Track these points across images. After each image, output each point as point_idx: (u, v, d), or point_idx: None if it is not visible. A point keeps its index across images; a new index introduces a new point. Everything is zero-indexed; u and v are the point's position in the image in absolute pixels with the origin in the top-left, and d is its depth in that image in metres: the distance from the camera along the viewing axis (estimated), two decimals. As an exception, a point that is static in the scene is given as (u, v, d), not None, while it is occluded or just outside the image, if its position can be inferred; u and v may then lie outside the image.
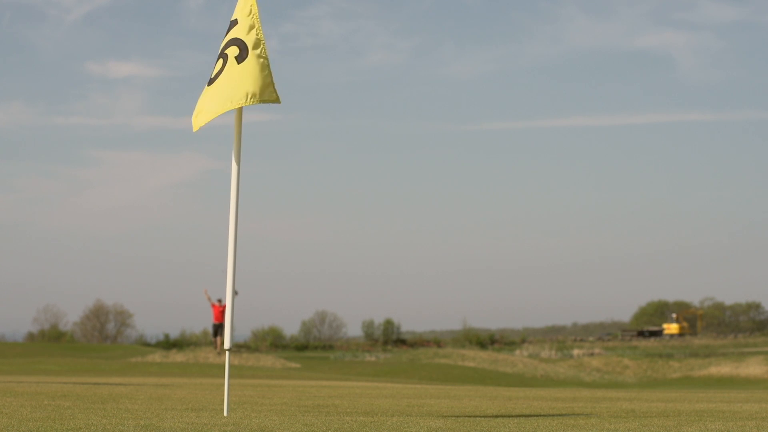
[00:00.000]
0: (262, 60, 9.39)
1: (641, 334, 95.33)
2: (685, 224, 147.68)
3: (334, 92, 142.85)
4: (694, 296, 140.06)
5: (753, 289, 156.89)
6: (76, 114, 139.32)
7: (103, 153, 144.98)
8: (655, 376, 57.48)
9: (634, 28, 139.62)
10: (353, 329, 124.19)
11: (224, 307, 36.22)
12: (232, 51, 9.46)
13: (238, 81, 9.37)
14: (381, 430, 7.85)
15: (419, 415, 9.89)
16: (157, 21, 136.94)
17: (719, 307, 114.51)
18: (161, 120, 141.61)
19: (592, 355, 69.67)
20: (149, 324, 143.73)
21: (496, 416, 10.08)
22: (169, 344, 73.48)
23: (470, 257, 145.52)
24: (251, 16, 9.49)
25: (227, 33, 9.57)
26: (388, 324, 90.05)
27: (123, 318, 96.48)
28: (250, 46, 9.40)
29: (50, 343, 75.87)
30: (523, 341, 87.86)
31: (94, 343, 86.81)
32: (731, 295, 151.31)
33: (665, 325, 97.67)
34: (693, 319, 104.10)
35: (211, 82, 9.64)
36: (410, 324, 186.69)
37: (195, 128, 9.63)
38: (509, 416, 10.11)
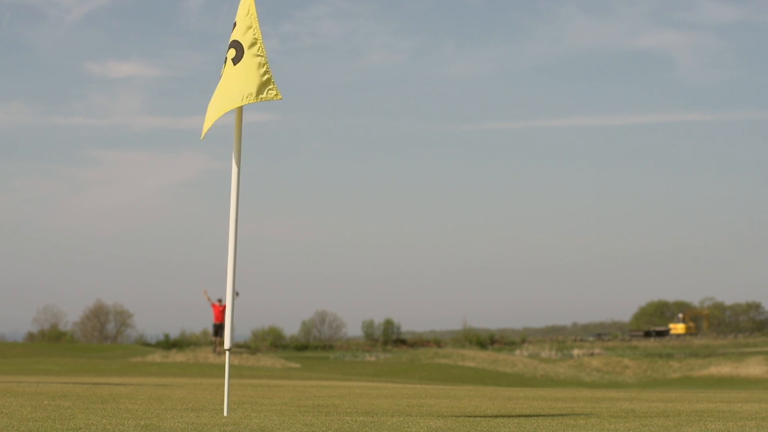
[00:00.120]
0: (258, 59, 9.40)
1: (648, 334, 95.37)
2: (685, 224, 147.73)
3: (334, 92, 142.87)
4: (694, 296, 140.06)
5: (753, 289, 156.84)
6: (75, 114, 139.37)
7: (103, 153, 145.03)
8: (655, 376, 57.48)
9: (634, 28, 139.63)
10: (353, 329, 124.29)
11: (224, 306, 36.19)
12: (230, 54, 9.49)
13: (235, 82, 9.39)
14: (381, 430, 7.85)
15: (419, 415, 9.89)
16: (157, 21, 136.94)
17: (719, 307, 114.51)
18: (161, 120, 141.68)
19: (592, 355, 69.67)
20: (149, 324, 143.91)
21: (496, 416, 10.08)
22: (169, 344, 73.45)
23: (470, 257, 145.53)
24: (249, 16, 9.50)
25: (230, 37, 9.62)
26: (388, 324, 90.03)
27: (123, 318, 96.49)
28: (246, 46, 9.42)
29: (50, 343, 75.85)
30: (523, 341, 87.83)
31: (94, 343, 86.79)
32: (731, 295, 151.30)
33: (671, 325, 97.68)
34: (699, 319, 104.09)
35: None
36: (410, 324, 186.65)
37: (202, 136, 9.63)
38: (509, 416, 10.11)
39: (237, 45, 9.46)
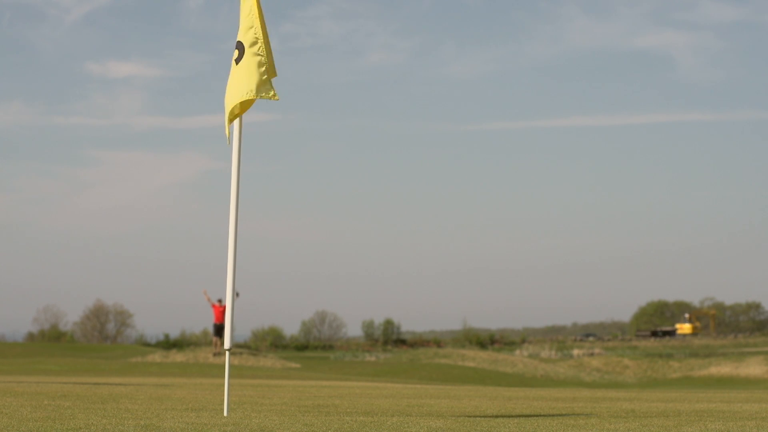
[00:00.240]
0: (258, 58, 9.43)
1: (655, 334, 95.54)
2: (685, 224, 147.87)
3: (334, 92, 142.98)
4: (694, 296, 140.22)
5: (753, 289, 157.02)
6: (75, 114, 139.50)
7: (103, 153, 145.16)
8: (655, 376, 57.48)
9: (634, 28, 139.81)
10: (353, 329, 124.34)
11: (225, 307, 36.08)
12: (234, 54, 9.52)
13: (237, 81, 9.44)
14: (381, 430, 7.85)
15: (419, 415, 9.89)
16: (157, 21, 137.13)
17: (719, 307, 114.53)
18: (161, 120, 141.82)
19: (592, 355, 69.67)
20: (149, 324, 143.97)
21: (496, 416, 10.08)
22: (169, 344, 73.48)
23: (470, 257, 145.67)
24: (251, 15, 9.52)
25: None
26: (388, 324, 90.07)
27: (123, 318, 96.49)
28: (246, 45, 9.45)
29: (50, 343, 75.86)
30: (523, 341, 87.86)
31: (94, 343, 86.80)
32: (731, 295, 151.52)
33: (678, 325, 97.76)
34: (705, 319, 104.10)
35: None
36: (410, 324, 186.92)
37: (227, 141, 9.58)
38: (509, 416, 10.12)
39: (239, 45, 9.51)
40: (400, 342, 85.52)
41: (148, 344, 78.68)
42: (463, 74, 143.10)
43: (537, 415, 10.33)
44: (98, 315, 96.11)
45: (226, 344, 9.53)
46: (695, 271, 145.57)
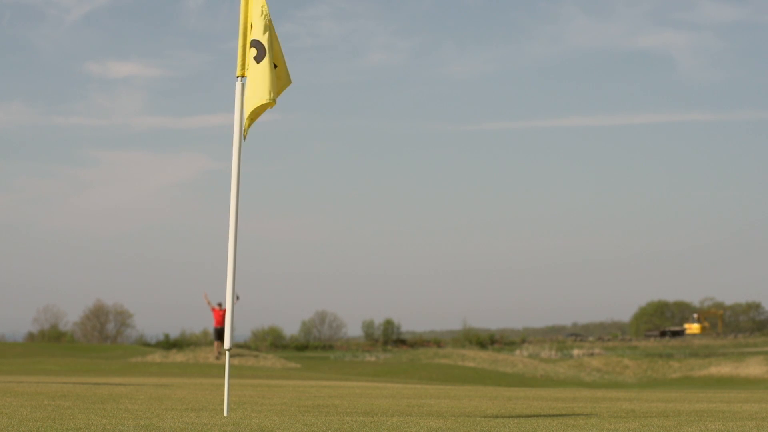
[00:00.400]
0: (271, 63, 9.48)
1: (663, 334, 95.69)
2: (685, 224, 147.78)
3: (334, 92, 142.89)
4: (694, 296, 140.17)
5: (753, 289, 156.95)
6: (75, 114, 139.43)
7: (103, 153, 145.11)
8: (655, 376, 57.48)
9: (634, 28, 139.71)
10: (353, 329, 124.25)
11: (225, 311, 35.95)
12: (252, 52, 9.49)
13: (259, 81, 9.41)
14: (381, 430, 7.85)
15: (419, 415, 9.89)
16: (157, 21, 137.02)
17: (719, 307, 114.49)
18: (161, 120, 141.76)
19: (592, 355, 69.67)
20: (149, 324, 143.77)
21: (496, 416, 10.08)
22: (169, 344, 73.44)
23: (470, 257, 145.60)
24: (263, 16, 9.52)
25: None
26: (388, 324, 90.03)
27: (123, 318, 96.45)
28: (266, 47, 9.45)
29: (50, 343, 75.84)
30: (523, 341, 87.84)
31: (94, 343, 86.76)
32: (731, 295, 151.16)
33: (687, 325, 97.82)
34: (714, 319, 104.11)
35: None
36: (410, 324, 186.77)
37: (244, 137, 9.57)
38: (509, 416, 10.11)
39: (258, 45, 9.47)
40: (400, 342, 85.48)
41: (148, 344, 78.64)
42: (463, 74, 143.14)
43: (537, 415, 10.33)
44: (98, 315, 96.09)
45: (226, 345, 9.53)
46: (695, 271, 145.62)
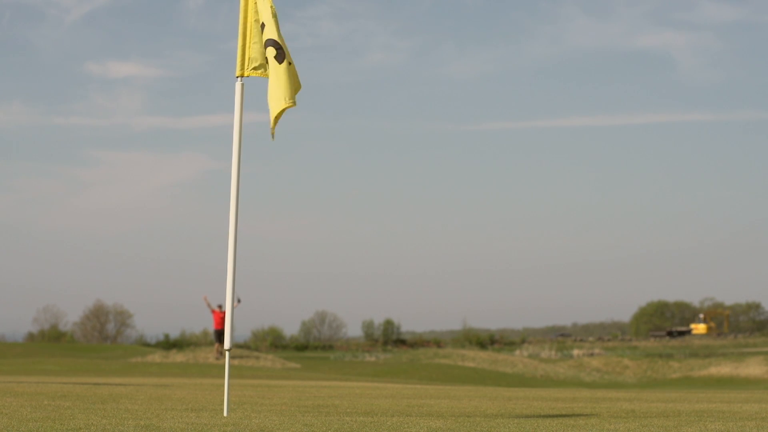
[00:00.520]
0: (291, 63, 9.49)
1: (670, 334, 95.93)
2: (685, 224, 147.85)
3: (334, 92, 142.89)
4: (694, 296, 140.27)
5: (753, 289, 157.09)
6: (76, 114, 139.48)
7: (103, 153, 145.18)
8: (655, 377, 57.48)
9: (634, 28, 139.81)
10: (353, 329, 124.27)
11: (225, 313, 35.78)
12: (270, 52, 9.46)
13: (283, 80, 9.38)
14: (381, 430, 7.85)
15: (419, 415, 9.89)
16: (157, 21, 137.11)
17: (719, 307, 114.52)
18: (161, 120, 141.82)
19: (592, 355, 69.67)
20: (149, 324, 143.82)
21: (496, 416, 10.08)
22: (169, 344, 73.44)
23: (470, 257, 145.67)
24: (275, 18, 9.52)
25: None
26: (388, 324, 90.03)
27: (123, 318, 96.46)
28: (284, 47, 9.45)
29: (50, 343, 75.84)
30: (523, 341, 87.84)
31: (94, 343, 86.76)
32: (731, 295, 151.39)
33: (693, 326, 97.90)
34: (720, 319, 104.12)
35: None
36: (410, 324, 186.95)
37: (272, 137, 9.54)
38: (509, 416, 10.11)
39: (276, 44, 9.45)
40: (400, 342, 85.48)
41: (148, 344, 78.65)
42: (463, 74, 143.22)
43: (537, 416, 10.33)
44: (98, 315, 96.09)
45: (226, 345, 9.53)
46: (695, 271, 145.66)
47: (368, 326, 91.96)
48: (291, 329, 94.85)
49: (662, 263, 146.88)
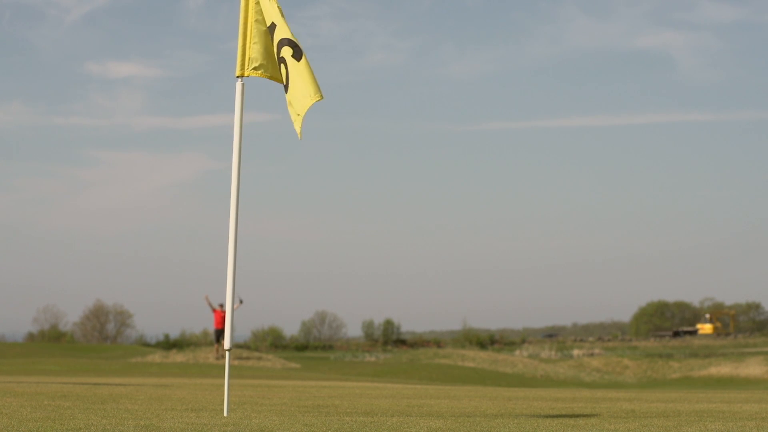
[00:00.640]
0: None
1: (677, 334, 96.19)
2: (685, 224, 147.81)
3: (334, 92, 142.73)
4: (694, 296, 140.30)
5: (753, 289, 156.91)
6: (76, 114, 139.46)
7: (102, 153, 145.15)
8: (655, 377, 57.48)
9: (634, 28, 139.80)
10: (353, 329, 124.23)
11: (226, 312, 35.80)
12: (287, 51, 9.44)
13: (306, 76, 9.36)
14: (381, 430, 7.85)
15: (419, 415, 9.89)
16: (157, 21, 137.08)
17: (719, 307, 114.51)
18: (161, 120, 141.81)
19: (592, 355, 69.67)
20: (149, 324, 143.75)
21: (496, 416, 10.07)
22: (169, 344, 73.44)
23: (470, 257, 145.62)
24: (284, 16, 9.52)
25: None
26: (388, 324, 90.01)
27: (123, 318, 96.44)
28: (299, 44, 9.43)
29: (50, 343, 75.82)
30: (523, 341, 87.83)
31: (94, 343, 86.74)
32: (731, 295, 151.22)
33: (699, 326, 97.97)
34: (726, 319, 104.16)
35: (286, 88, 9.52)
36: (410, 324, 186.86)
37: (300, 136, 9.49)
38: (509, 416, 10.11)
39: (291, 43, 9.42)
40: (400, 342, 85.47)
41: (148, 344, 78.64)
42: (463, 74, 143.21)
43: (537, 415, 10.33)
44: (98, 315, 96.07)
45: (226, 345, 9.53)
46: (695, 271, 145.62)
47: (368, 326, 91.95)
48: (291, 329, 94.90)
49: (662, 263, 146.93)
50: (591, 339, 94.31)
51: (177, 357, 49.45)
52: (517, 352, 72.63)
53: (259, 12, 9.66)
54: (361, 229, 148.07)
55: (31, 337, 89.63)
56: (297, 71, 9.41)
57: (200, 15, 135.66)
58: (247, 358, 51.13)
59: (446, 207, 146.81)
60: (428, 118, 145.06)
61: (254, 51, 9.63)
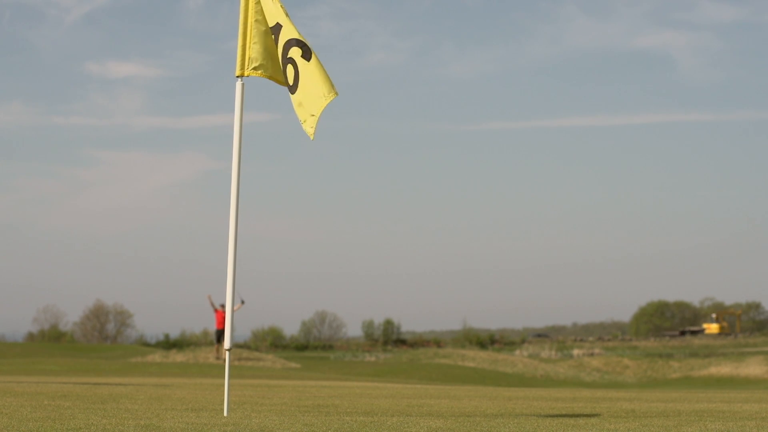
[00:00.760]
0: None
1: (683, 333, 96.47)
2: (685, 224, 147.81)
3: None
4: (694, 296, 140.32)
5: (753, 289, 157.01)
6: (76, 114, 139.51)
7: (102, 153, 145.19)
8: (655, 376, 57.48)
9: (634, 28, 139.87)
10: (353, 329, 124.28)
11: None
12: (296, 52, 9.39)
13: (317, 76, 9.31)
14: (381, 430, 7.85)
15: (419, 415, 9.89)
16: (157, 21, 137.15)
17: (719, 307, 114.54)
18: (161, 120, 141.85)
19: (592, 355, 69.68)
20: (149, 324, 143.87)
21: (496, 416, 10.07)
22: (169, 344, 73.46)
23: (470, 257, 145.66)
24: (288, 17, 9.49)
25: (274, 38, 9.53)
26: (388, 324, 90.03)
27: (123, 318, 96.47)
28: (307, 43, 9.40)
29: (50, 343, 75.85)
30: (523, 341, 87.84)
31: (94, 343, 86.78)
32: (731, 295, 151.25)
33: (705, 325, 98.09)
34: (732, 319, 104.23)
35: (293, 89, 9.44)
36: (410, 324, 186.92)
37: (312, 137, 9.43)
38: (509, 416, 10.11)
39: (300, 43, 9.38)
40: (400, 342, 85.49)
41: (148, 344, 78.67)
42: (463, 74, 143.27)
43: (537, 415, 10.33)
44: (98, 315, 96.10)
45: (226, 344, 9.53)
46: (695, 271, 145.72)
47: (368, 326, 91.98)
48: (291, 329, 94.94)
49: (662, 263, 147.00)
50: (591, 339, 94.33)
51: (177, 357, 49.45)
52: (517, 352, 72.64)
53: (259, 12, 9.64)
54: (361, 229, 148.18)
55: (31, 337, 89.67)
56: (308, 71, 9.37)
57: (200, 15, 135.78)
58: (247, 358, 51.14)
59: (446, 207, 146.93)
60: (428, 118, 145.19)
61: (254, 51, 9.62)
